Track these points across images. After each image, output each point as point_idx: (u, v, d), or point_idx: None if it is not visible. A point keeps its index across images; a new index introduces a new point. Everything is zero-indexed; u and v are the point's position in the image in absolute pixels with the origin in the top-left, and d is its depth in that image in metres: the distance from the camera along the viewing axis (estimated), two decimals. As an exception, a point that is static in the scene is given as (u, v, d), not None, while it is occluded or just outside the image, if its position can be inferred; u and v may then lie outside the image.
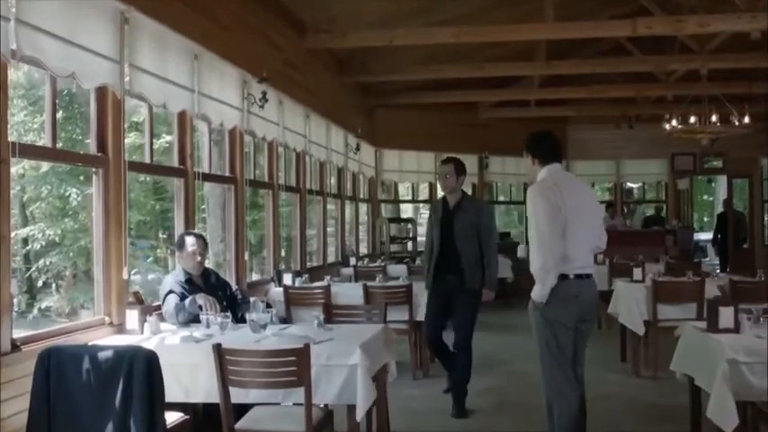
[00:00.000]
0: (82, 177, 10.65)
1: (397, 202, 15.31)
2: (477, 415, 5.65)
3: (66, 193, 10.91)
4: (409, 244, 13.22)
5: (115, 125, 4.48)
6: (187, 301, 4.65)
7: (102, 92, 4.42)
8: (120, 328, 4.46)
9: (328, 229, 10.20)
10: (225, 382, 3.60)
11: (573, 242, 4.07)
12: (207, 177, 5.91)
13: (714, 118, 9.70)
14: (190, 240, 4.91)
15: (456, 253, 5.68)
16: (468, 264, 5.65)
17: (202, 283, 5.04)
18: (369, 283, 7.19)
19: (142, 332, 4.41)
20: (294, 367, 3.50)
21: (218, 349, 3.57)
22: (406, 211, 17.00)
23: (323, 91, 9.54)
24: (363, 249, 12.29)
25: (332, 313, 5.25)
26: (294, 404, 3.97)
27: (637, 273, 7.36)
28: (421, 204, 16.37)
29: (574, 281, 4.11)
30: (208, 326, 4.44)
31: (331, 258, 10.41)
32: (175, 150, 5.53)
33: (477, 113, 13.58)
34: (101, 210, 4.40)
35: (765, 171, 15.13)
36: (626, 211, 16.11)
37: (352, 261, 10.44)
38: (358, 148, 11.16)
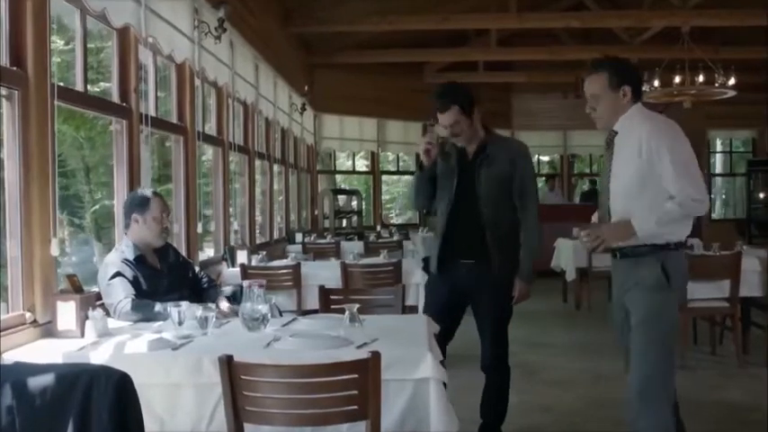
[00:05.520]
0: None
1: (335, 172, 14.02)
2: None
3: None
4: (354, 218, 12.02)
5: (38, 30, 3.02)
6: (159, 307, 3.28)
7: (16, -21, 2.96)
8: (48, 329, 3.03)
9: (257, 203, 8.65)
10: (238, 416, 2.27)
11: None
12: (154, 123, 4.45)
13: (701, 78, 8.88)
14: (153, 200, 3.53)
15: (479, 224, 3.78)
16: (500, 241, 3.79)
17: (158, 261, 3.68)
18: (347, 262, 5.99)
19: (83, 334, 2.99)
20: (354, 390, 2.22)
21: (228, 364, 2.24)
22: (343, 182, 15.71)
23: (271, 40, 8.23)
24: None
25: (330, 300, 4.03)
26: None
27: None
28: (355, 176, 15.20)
29: (683, 252, 3.21)
30: (180, 322, 3.08)
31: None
32: (115, 82, 4.06)
33: (424, 77, 12.47)
34: (17, 152, 2.93)
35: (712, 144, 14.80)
36: (572, 183, 15.49)
37: (299, 238, 9.23)
38: (304, 108, 9.80)
